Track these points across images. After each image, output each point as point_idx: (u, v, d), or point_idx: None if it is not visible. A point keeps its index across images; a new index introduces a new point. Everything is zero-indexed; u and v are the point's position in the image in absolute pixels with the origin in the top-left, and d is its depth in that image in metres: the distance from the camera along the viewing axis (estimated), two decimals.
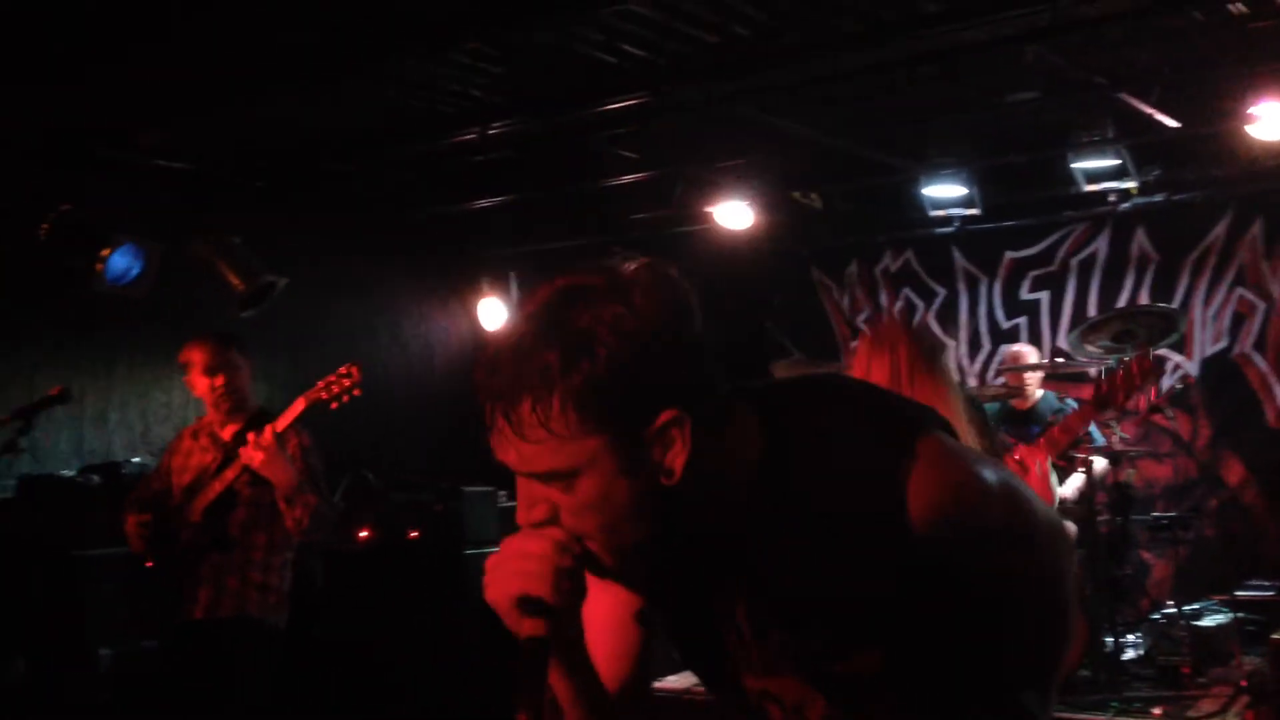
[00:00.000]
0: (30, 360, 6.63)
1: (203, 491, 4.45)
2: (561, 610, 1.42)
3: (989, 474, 1.40)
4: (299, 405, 4.36)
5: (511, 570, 1.43)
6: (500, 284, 8.92)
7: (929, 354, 3.04)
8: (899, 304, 9.14)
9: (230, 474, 4.38)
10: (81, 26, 4.94)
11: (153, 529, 4.46)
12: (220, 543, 4.40)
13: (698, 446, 1.37)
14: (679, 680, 6.02)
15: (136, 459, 6.82)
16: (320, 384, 4.41)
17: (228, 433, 4.57)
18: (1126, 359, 5.18)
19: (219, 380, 4.54)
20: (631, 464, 1.36)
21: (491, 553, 1.53)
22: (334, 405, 4.39)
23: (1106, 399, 4.36)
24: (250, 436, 4.29)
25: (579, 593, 1.44)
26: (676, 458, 1.37)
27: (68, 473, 6.46)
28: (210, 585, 4.40)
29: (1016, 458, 4.25)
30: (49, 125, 6.20)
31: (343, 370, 4.43)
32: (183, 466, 4.61)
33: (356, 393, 4.40)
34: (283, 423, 4.31)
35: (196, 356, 4.56)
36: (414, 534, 6.91)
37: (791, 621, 1.46)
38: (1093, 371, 6.49)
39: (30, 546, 5.81)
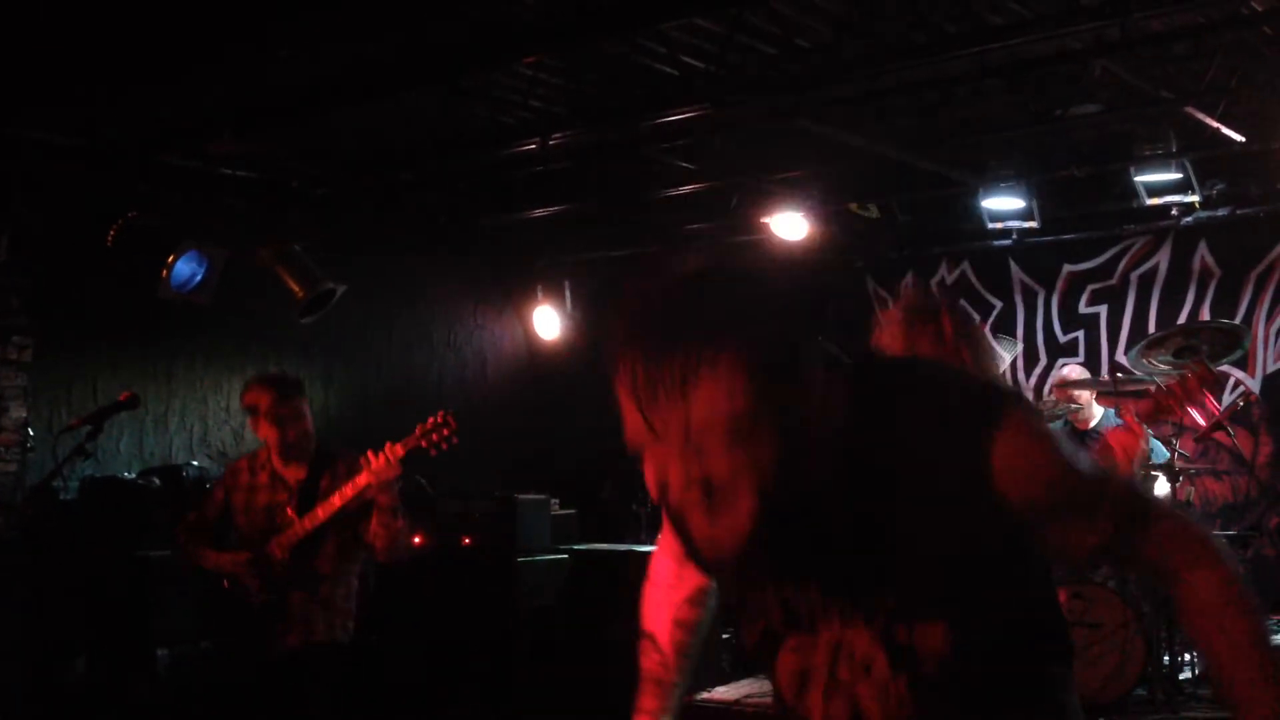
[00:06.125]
0: (93, 363, 6.73)
1: (286, 530, 4.46)
2: None
3: (1066, 446, 1.61)
4: (398, 452, 4.32)
5: None
6: (555, 293, 8.94)
7: (967, 325, 3.00)
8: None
9: (321, 514, 4.39)
10: (152, 39, 5.01)
11: (257, 565, 4.48)
12: (310, 580, 4.44)
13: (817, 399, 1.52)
14: (730, 691, 6.00)
15: (195, 462, 6.91)
16: (418, 430, 4.40)
17: (293, 474, 4.58)
18: (1184, 373, 5.09)
19: (291, 434, 4.55)
20: (786, 409, 1.47)
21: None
22: (433, 453, 4.40)
23: (1162, 408, 4.29)
24: (371, 455, 4.28)
25: None
26: (814, 403, 1.50)
27: (128, 475, 6.55)
28: (299, 619, 4.42)
29: None
30: (117, 133, 6.30)
31: (438, 418, 4.40)
32: (248, 504, 4.60)
33: (455, 441, 4.40)
34: (402, 449, 4.32)
35: (265, 404, 4.53)
36: (466, 541, 6.94)
37: (868, 578, 1.59)
38: (1136, 387, 6.39)
39: (92, 547, 5.89)
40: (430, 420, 4.41)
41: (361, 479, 4.31)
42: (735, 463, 1.45)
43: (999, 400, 1.59)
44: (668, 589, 2.00)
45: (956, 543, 1.56)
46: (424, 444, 4.38)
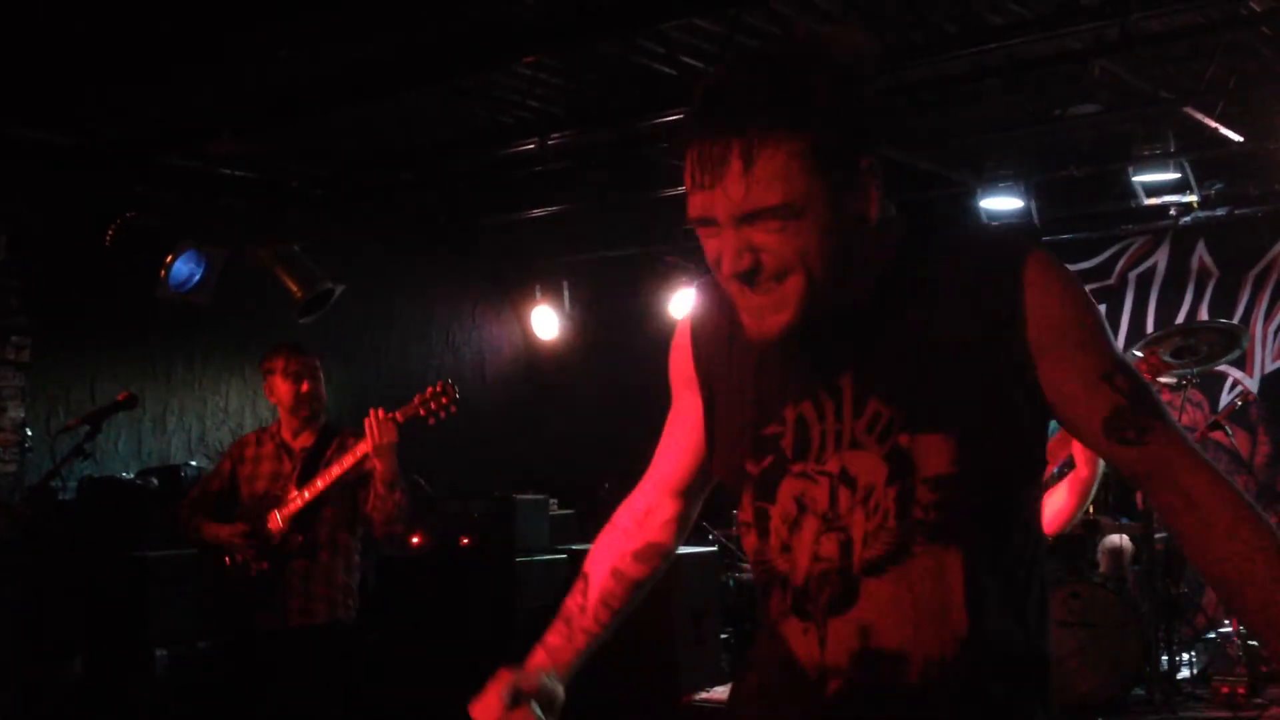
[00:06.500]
0: (91, 364, 6.72)
1: (287, 500, 4.49)
2: None
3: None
4: (396, 419, 4.37)
5: None
6: (553, 292, 8.94)
7: None
8: None
9: (321, 484, 4.42)
10: (151, 39, 5.01)
11: (255, 536, 4.49)
12: (309, 549, 4.46)
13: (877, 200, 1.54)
14: (728, 691, 6.00)
15: (194, 463, 6.91)
16: (417, 399, 4.44)
17: (300, 443, 4.61)
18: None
19: (304, 386, 4.59)
20: (840, 202, 1.50)
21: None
22: (431, 421, 4.42)
23: None
24: (375, 415, 4.32)
25: None
26: (871, 203, 1.53)
27: (127, 475, 6.54)
28: (300, 593, 4.44)
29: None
30: (116, 133, 6.29)
31: (436, 388, 4.44)
32: (252, 474, 4.64)
33: (453, 410, 4.43)
34: (401, 416, 4.35)
35: (281, 363, 4.60)
36: (465, 541, 6.93)
37: (893, 386, 1.58)
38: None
39: (90, 547, 5.88)
40: (429, 390, 4.43)
41: (360, 448, 4.34)
42: (786, 247, 1.49)
43: (1039, 242, 1.61)
44: (621, 535, 1.94)
45: (979, 375, 1.55)
46: (423, 412, 4.41)
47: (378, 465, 4.32)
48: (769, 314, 1.54)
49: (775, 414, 1.65)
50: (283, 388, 4.58)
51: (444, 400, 4.42)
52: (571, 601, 1.90)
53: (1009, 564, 1.61)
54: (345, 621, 4.52)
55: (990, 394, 1.55)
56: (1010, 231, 1.65)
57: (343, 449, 4.48)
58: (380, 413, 4.33)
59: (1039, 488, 1.72)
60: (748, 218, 1.48)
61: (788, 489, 1.63)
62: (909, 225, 1.63)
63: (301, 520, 4.46)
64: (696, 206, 1.53)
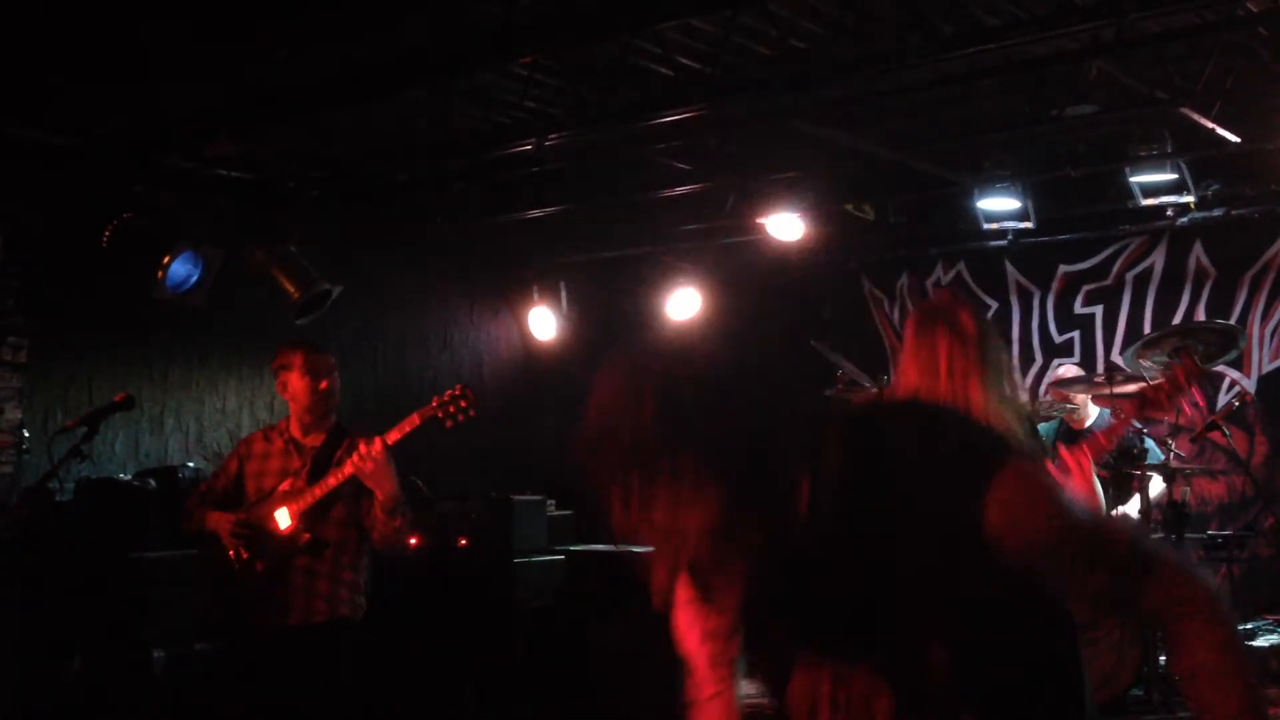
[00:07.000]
0: (89, 364, 6.72)
1: (296, 497, 4.46)
2: None
3: (1063, 496, 1.62)
4: (413, 421, 4.36)
5: None
6: (551, 293, 8.94)
7: (971, 342, 3.04)
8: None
9: (332, 481, 4.40)
10: (149, 39, 5.01)
11: (249, 529, 4.47)
12: (316, 546, 4.43)
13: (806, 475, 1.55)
14: None
15: (191, 463, 6.90)
16: (435, 401, 4.43)
17: (310, 441, 4.59)
18: (1172, 368, 5.12)
19: (323, 385, 4.57)
20: (763, 507, 1.53)
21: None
22: (448, 424, 4.42)
23: (1150, 402, 4.31)
24: (361, 445, 4.30)
25: None
26: (795, 488, 1.56)
27: (124, 476, 6.54)
28: (303, 590, 4.42)
29: (1062, 459, 4.23)
30: (114, 134, 6.29)
31: (455, 391, 4.45)
32: (260, 470, 4.61)
33: (472, 414, 4.42)
34: (394, 436, 4.33)
35: (299, 359, 4.57)
36: (463, 541, 6.93)
37: (862, 622, 1.63)
38: (1132, 388, 6.40)
39: (88, 548, 5.88)
40: (448, 393, 4.44)
41: (347, 468, 4.33)
42: (718, 561, 1.55)
43: (996, 452, 1.60)
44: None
45: (956, 588, 1.59)
46: (440, 415, 4.40)
47: (376, 492, 4.29)
48: (713, 621, 1.76)
49: (763, 627, 1.78)
50: (299, 385, 4.55)
51: (463, 404, 4.42)
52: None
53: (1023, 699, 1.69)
54: (349, 619, 4.48)
55: (971, 605, 1.62)
56: (965, 447, 1.58)
57: (354, 449, 4.43)
58: (364, 444, 4.29)
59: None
60: (673, 539, 1.54)
61: (799, 678, 1.75)
62: (846, 444, 1.61)
63: (311, 517, 4.44)
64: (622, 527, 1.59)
